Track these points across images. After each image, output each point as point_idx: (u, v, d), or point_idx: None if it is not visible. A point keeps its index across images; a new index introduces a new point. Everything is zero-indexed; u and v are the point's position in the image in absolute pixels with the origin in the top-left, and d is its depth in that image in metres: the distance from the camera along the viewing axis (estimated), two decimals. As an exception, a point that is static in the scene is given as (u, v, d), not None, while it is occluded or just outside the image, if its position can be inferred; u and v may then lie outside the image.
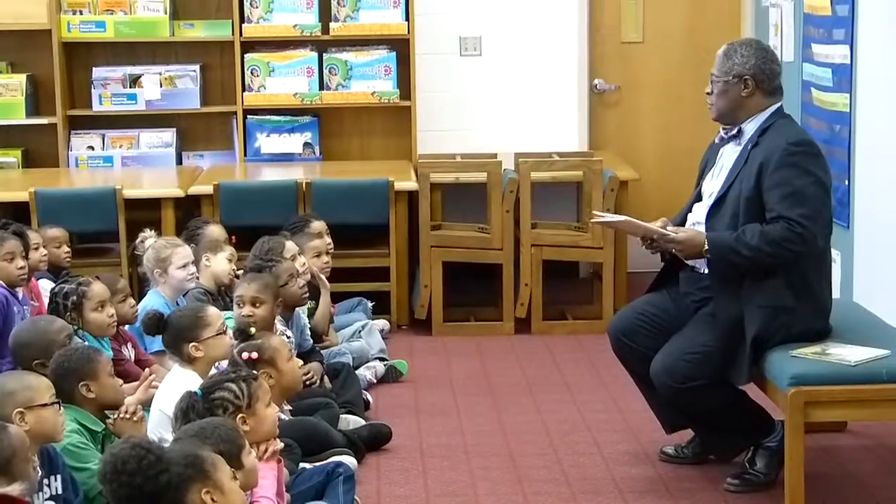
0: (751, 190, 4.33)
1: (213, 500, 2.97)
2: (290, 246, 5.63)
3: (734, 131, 4.48)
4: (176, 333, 4.34)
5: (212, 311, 4.43)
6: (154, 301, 5.20)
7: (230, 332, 4.44)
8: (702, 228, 4.45)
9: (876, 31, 5.63)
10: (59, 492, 3.51)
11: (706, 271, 4.44)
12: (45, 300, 5.13)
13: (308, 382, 5.04)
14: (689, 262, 4.50)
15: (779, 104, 4.46)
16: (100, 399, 3.89)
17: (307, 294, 5.37)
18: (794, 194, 4.25)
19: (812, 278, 4.34)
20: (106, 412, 3.96)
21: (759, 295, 4.29)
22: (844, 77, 5.84)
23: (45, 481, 3.45)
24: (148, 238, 5.52)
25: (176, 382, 4.20)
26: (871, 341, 4.29)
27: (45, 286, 5.39)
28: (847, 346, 4.24)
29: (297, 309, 5.36)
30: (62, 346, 4.15)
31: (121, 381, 4.01)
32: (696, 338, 4.38)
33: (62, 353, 3.96)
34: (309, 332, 5.49)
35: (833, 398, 4.08)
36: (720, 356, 4.34)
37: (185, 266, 5.32)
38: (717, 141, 4.58)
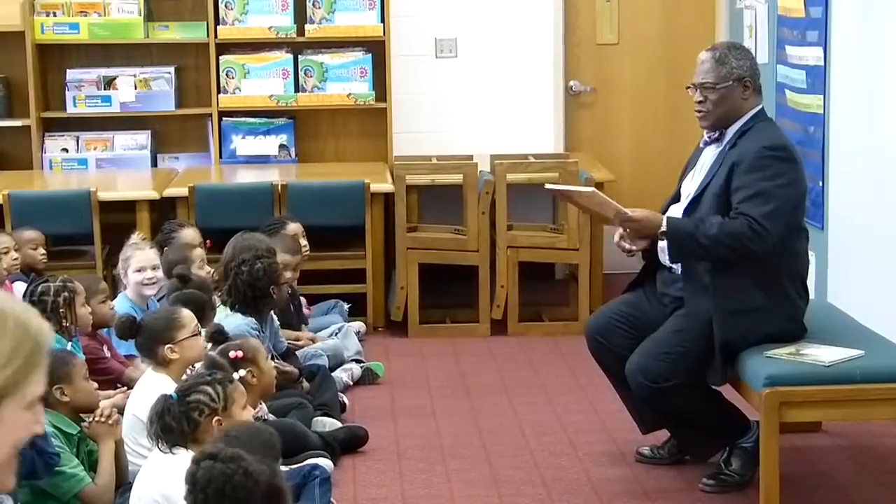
0: (720, 188, 4.34)
1: None
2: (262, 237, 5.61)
3: (716, 135, 4.49)
4: (150, 336, 4.33)
5: (185, 312, 4.42)
6: (121, 304, 5.18)
7: (203, 333, 4.43)
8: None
9: (849, 32, 5.66)
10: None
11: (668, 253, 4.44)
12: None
13: (291, 378, 5.06)
14: (666, 263, 4.51)
15: (760, 106, 4.48)
16: (74, 402, 3.87)
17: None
18: (759, 195, 4.26)
19: (784, 280, 4.35)
20: (81, 415, 3.95)
21: (726, 299, 4.29)
22: (818, 79, 5.87)
23: None
24: (131, 239, 5.51)
25: (149, 386, 4.19)
26: (844, 342, 4.31)
27: (20, 289, 5.36)
28: (821, 347, 4.26)
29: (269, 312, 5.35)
30: None
31: (95, 385, 3.98)
32: (671, 338, 4.39)
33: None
34: (282, 336, 5.47)
35: (807, 398, 4.10)
36: (695, 357, 4.35)
37: (140, 270, 5.29)
38: (701, 145, 4.59)
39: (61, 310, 4.61)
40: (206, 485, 2.83)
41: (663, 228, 4.33)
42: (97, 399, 3.96)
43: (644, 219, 4.40)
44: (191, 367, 4.37)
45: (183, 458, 3.46)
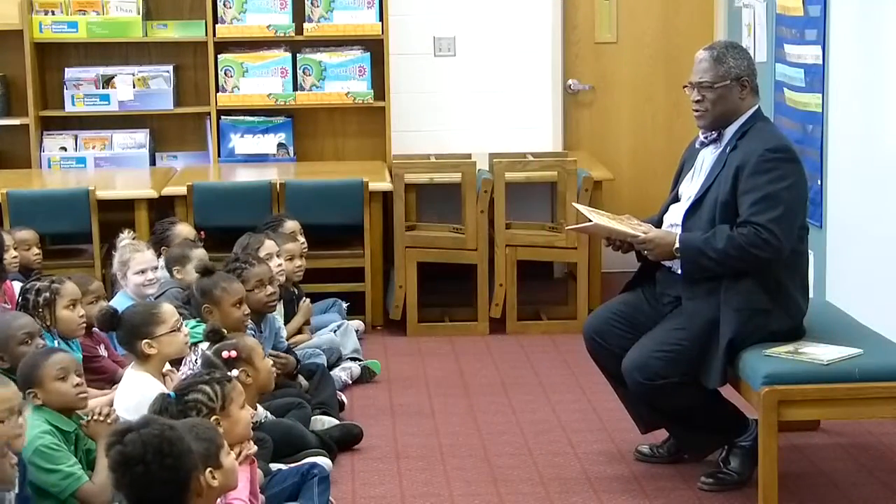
0: (727, 194, 4.34)
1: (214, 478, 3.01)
2: (269, 245, 5.63)
3: (714, 135, 4.48)
4: (129, 330, 4.33)
5: (166, 307, 4.40)
6: (122, 302, 5.17)
7: (185, 329, 4.42)
8: (678, 230, 4.45)
9: (848, 31, 5.66)
10: (17, 490, 3.49)
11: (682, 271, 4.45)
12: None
13: (289, 369, 5.07)
14: (665, 263, 4.51)
15: (757, 105, 4.48)
16: (48, 405, 3.83)
17: (274, 303, 5.32)
18: (766, 199, 4.26)
19: (786, 280, 4.35)
20: (80, 413, 3.94)
21: (735, 298, 4.29)
22: (817, 77, 5.87)
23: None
24: (124, 239, 5.52)
25: (130, 385, 4.21)
26: (843, 340, 4.31)
27: (18, 288, 5.36)
28: (820, 345, 4.26)
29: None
30: (20, 342, 4.12)
31: (75, 382, 3.90)
32: (667, 335, 4.39)
33: (23, 359, 3.94)
34: (284, 334, 5.48)
35: (806, 397, 4.10)
36: (692, 355, 4.34)
37: (142, 272, 5.31)
38: (697, 145, 4.58)
39: (40, 310, 4.59)
40: (144, 452, 2.84)
41: (677, 245, 4.34)
42: (76, 399, 3.89)
43: (657, 238, 4.42)
44: (192, 363, 4.38)
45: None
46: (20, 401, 3.51)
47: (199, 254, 5.51)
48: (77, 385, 3.87)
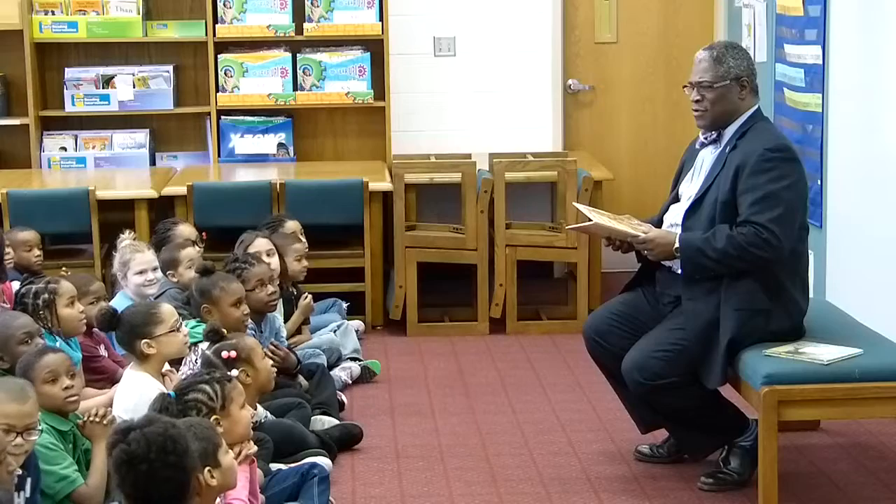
0: (726, 194, 4.34)
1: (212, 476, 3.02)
2: (260, 242, 5.62)
3: (714, 136, 4.48)
4: (129, 330, 4.33)
5: (165, 307, 4.41)
6: (121, 303, 5.18)
7: (184, 329, 4.42)
8: (678, 230, 4.45)
9: (848, 31, 5.66)
10: (28, 495, 3.49)
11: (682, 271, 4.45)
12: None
13: (290, 366, 5.07)
14: (665, 263, 4.51)
15: (757, 105, 4.48)
16: (41, 406, 3.82)
17: (275, 303, 5.33)
18: (766, 199, 4.26)
19: (786, 280, 4.35)
20: (77, 413, 3.93)
21: (735, 298, 4.30)
22: (817, 77, 5.87)
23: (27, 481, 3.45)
24: (125, 240, 5.53)
25: (129, 385, 4.20)
26: (843, 340, 4.31)
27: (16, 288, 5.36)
28: (820, 345, 4.26)
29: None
30: (20, 342, 4.12)
31: (66, 384, 3.88)
32: (667, 335, 4.39)
33: (18, 361, 3.95)
34: (284, 333, 5.48)
35: (806, 397, 4.10)
36: (692, 355, 4.34)
37: (142, 272, 5.31)
38: (697, 146, 4.58)
39: (41, 311, 4.59)
40: (148, 450, 2.85)
41: (677, 245, 4.34)
42: (62, 403, 3.86)
43: (658, 237, 4.42)
44: (192, 363, 4.38)
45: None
46: (38, 416, 3.51)
47: (189, 253, 5.51)
48: (67, 388, 3.86)
